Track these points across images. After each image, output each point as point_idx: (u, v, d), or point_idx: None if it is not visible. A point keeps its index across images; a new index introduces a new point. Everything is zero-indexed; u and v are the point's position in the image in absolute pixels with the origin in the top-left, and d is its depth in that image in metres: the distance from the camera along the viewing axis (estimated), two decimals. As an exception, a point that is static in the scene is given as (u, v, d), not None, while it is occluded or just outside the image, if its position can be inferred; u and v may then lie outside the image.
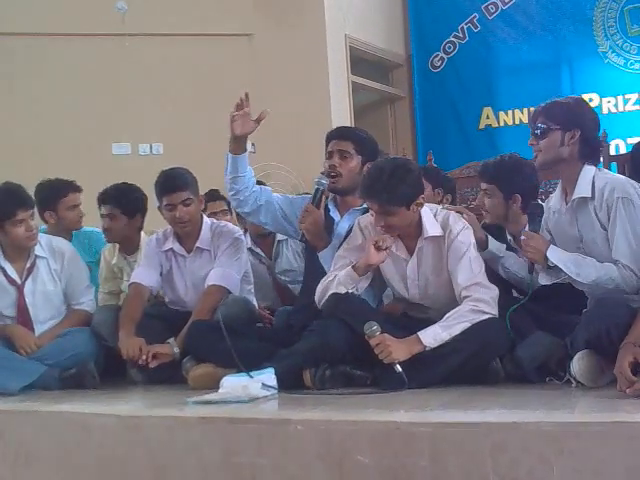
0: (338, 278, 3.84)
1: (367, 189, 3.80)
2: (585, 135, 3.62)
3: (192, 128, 8.06)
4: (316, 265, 4.21)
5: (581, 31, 9.26)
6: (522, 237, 3.71)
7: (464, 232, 3.81)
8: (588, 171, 3.62)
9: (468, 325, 3.60)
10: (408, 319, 3.97)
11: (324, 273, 4.02)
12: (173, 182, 4.49)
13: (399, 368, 3.57)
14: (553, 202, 3.82)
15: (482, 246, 3.92)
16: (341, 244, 4.11)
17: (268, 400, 3.58)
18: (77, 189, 5.45)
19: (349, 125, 4.35)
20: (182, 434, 3.28)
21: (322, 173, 4.34)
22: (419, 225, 3.85)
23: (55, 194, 5.37)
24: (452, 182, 5.60)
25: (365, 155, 4.22)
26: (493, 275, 3.95)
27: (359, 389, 3.67)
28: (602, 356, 3.31)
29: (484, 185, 4.22)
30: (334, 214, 4.31)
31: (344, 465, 2.95)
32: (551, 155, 3.65)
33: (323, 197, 4.25)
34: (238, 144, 4.29)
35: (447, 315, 3.65)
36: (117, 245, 5.16)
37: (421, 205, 3.81)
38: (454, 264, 3.76)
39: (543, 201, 4.08)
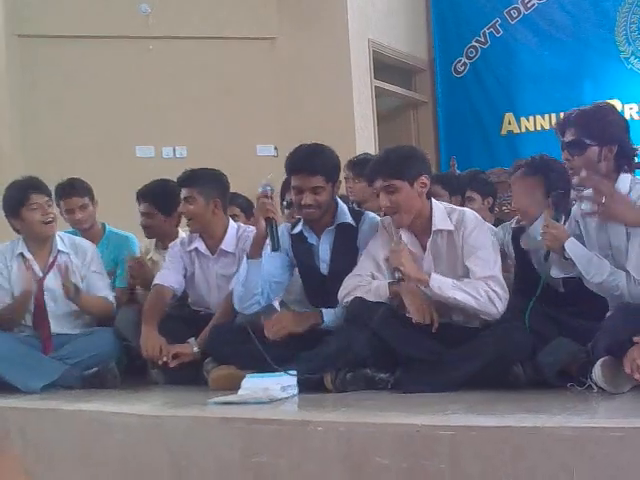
0: (371, 289, 3.80)
1: (371, 169, 3.88)
2: (622, 148, 3.57)
3: (216, 131, 8.09)
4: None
5: (603, 36, 9.21)
6: (543, 223, 3.70)
7: (480, 229, 3.81)
8: (623, 180, 3.58)
9: (473, 304, 3.62)
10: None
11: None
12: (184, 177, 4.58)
13: (399, 275, 3.66)
14: (586, 205, 3.74)
15: None
16: (332, 264, 4.09)
17: (288, 401, 3.60)
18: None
19: (314, 151, 4.07)
20: (202, 434, 3.31)
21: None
22: (430, 220, 3.84)
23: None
24: (491, 185, 5.50)
25: (334, 179, 4.10)
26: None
27: (379, 392, 3.68)
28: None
29: None
30: (311, 239, 4.17)
31: (364, 467, 2.96)
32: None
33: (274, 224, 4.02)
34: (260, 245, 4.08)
35: (465, 280, 3.67)
36: (154, 240, 5.22)
37: (425, 186, 3.81)
38: (470, 257, 3.75)
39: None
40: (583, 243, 3.67)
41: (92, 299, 4.63)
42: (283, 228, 4.23)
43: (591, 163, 3.57)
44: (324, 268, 4.15)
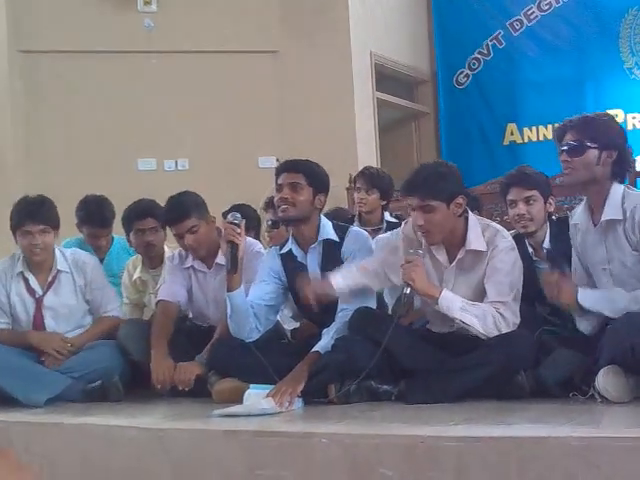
0: None
1: (408, 184, 3.78)
2: (621, 155, 3.56)
3: (217, 143, 8.11)
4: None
5: (607, 47, 9.23)
6: (546, 279, 3.67)
7: (509, 252, 3.74)
8: (616, 190, 3.55)
9: (478, 328, 3.57)
10: (432, 333, 3.94)
11: None
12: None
13: (407, 290, 3.63)
14: (578, 219, 3.75)
15: None
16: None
17: (292, 413, 3.60)
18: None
19: (304, 160, 4.14)
20: (206, 447, 3.29)
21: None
22: (463, 237, 3.79)
23: None
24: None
25: (317, 187, 4.07)
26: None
27: (383, 403, 3.66)
28: (627, 372, 3.30)
29: (527, 193, 4.32)
30: (300, 257, 4.16)
31: (368, 478, 2.95)
32: (585, 174, 3.56)
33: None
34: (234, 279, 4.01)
35: (475, 303, 3.63)
36: (140, 258, 5.16)
37: (460, 206, 3.73)
38: (489, 277, 3.71)
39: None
40: (581, 260, 3.71)
41: (96, 330, 4.63)
42: (273, 251, 4.25)
43: (589, 166, 3.54)
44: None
